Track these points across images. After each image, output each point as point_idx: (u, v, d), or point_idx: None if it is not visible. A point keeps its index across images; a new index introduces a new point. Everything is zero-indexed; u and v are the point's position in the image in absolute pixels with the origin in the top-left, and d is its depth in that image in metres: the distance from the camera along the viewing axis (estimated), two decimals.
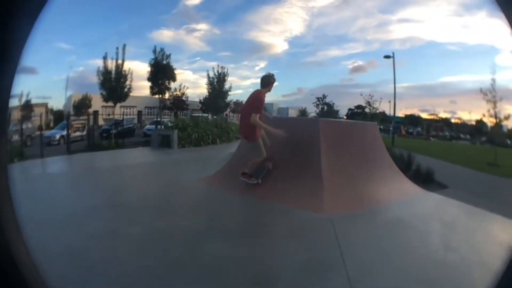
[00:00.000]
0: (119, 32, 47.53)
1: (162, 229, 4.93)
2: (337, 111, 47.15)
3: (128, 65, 28.28)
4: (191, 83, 64.97)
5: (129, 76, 27.66)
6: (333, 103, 47.96)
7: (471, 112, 51.63)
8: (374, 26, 57.83)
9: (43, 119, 28.42)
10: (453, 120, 50.61)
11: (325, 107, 47.78)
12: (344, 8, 57.36)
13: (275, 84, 6.86)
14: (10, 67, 1.14)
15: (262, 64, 60.96)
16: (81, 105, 31.08)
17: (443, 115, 50.26)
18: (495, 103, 18.99)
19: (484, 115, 20.11)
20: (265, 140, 6.97)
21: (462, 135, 45.73)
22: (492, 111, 19.28)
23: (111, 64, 26.98)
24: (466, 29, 51.77)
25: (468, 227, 5.93)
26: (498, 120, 19.60)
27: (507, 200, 8.44)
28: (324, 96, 47.87)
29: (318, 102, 48.09)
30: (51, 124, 28.45)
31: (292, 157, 7.12)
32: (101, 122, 29.15)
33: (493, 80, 19.07)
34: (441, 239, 5.15)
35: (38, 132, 20.60)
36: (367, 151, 7.87)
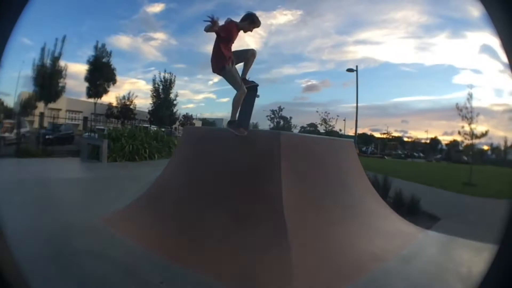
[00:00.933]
0: (80, 33, 43.43)
1: None
2: (294, 126, 44.77)
3: (79, 68, 24.69)
4: (144, 93, 61.74)
5: (64, 73, 23.57)
6: (291, 117, 45.56)
7: (427, 131, 51.83)
8: (329, 47, 57.44)
9: None
10: (405, 139, 50.73)
11: (281, 121, 45.16)
12: (302, 28, 56.37)
13: (256, 28, 5.11)
14: None
15: (216, 79, 58.98)
16: (27, 105, 26.87)
17: (394, 134, 50.27)
18: (471, 119, 17.56)
19: (459, 133, 18.61)
20: (239, 58, 5.22)
21: (415, 153, 45.26)
22: (467, 128, 17.86)
23: (48, 58, 22.85)
24: (423, 51, 52.19)
25: None
26: (470, 137, 18.22)
27: None
28: (280, 109, 45.18)
29: (272, 115, 45.33)
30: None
31: (237, 192, 4.40)
32: (46, 125, 25.29)
33: (470, 95, 17.73)
34: None
35: None
36: (346, 180, 5.40)
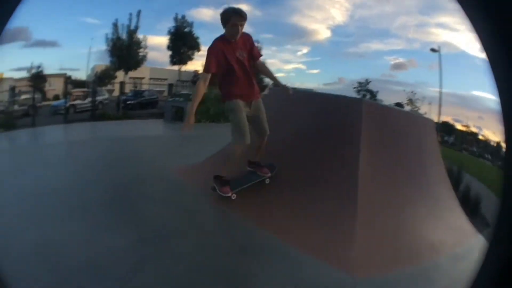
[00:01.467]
0: (156, 9, 44.09)
1: None
2: (380, 101, 41.73)
3: (160, 40, 24.66)
4: None
5: (143, 44, 23.88)
6: (377, 91, 42.66)
7: (495, 133, 46.90)
8: (414, 25, 52.24)
9: (61, 89, 25.54)
10: (480, 137, 46.20)
11: (367, 94, 42.29)
12: (385, 3, 52.06)
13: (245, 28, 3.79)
14: None
15: (305, 50, 56.33)
16: (104, 76, 27.95)
17: (472, 129, 45.81)
18: None
19: None
20: (257, 118, 3.99)
21: (486, 154, 41.38)
22: None
23: (123, 31, 23.24)
24: None
25: None
26: None
27: None
28: (367, 82, 42.24)
29: (359, 88, 42.63)
30: None
31: (312, 154, 4.23)
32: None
33: None
34: None
35: (44, 102, 17.90)
36: (423, 160, 4.89)
